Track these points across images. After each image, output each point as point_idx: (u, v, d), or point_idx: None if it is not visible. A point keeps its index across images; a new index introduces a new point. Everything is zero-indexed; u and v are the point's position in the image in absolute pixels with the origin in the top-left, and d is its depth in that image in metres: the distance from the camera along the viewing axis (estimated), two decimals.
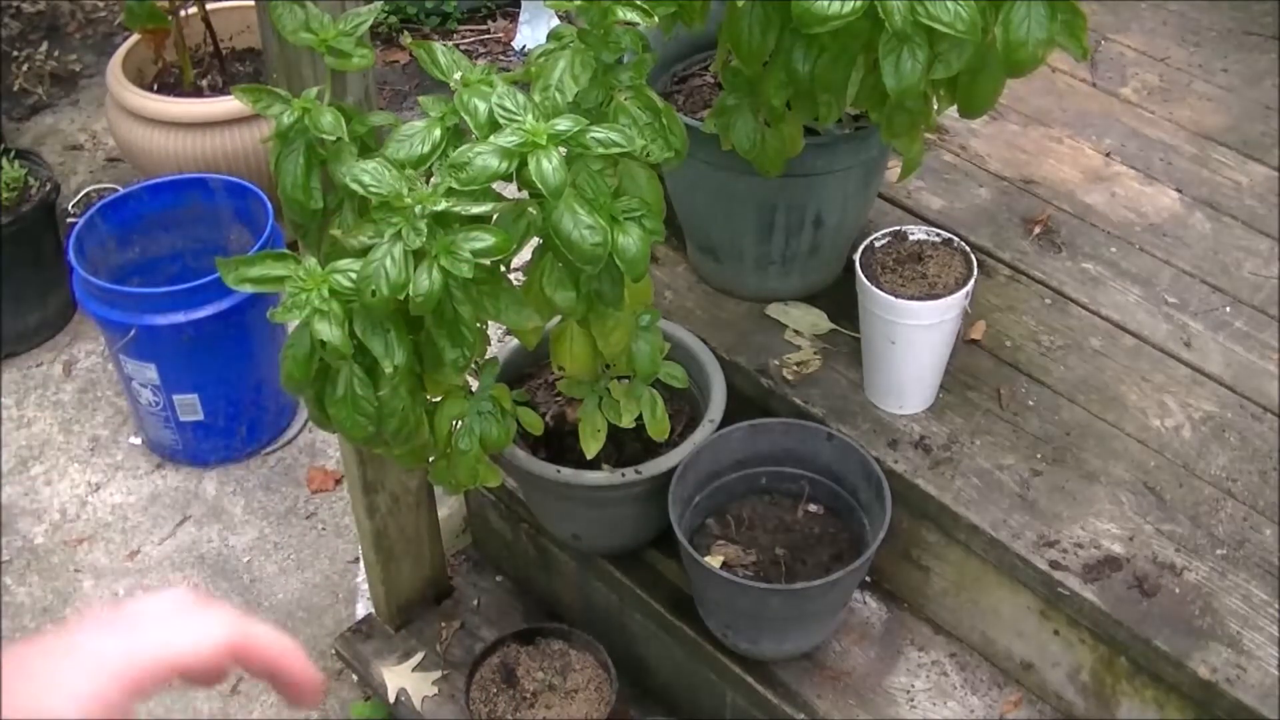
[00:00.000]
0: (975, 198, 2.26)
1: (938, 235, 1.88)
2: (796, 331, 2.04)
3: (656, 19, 1.46)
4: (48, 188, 2.84)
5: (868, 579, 1.96)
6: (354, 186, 1.37)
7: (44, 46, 3.61)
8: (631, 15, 1.45)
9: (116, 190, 2.99)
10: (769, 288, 2.08)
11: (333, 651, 2.27)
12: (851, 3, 1.43)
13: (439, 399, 1.58)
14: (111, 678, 0.63)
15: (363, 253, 1.36)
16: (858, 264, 1.84)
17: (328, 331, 1.35)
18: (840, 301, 2.05)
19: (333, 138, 1.46)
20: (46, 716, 0.60)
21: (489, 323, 1.50)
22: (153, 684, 0.64)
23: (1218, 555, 1.73)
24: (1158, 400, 1.92)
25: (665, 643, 1.98)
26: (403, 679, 2.13)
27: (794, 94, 1.65)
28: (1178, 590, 1.69)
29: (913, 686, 1.85)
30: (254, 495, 2.62)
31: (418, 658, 2.16)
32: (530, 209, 1.43)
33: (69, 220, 3.10)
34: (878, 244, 1.87)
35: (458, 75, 1.46)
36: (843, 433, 1.87)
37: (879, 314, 1.82)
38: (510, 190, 1.44)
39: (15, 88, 3.52)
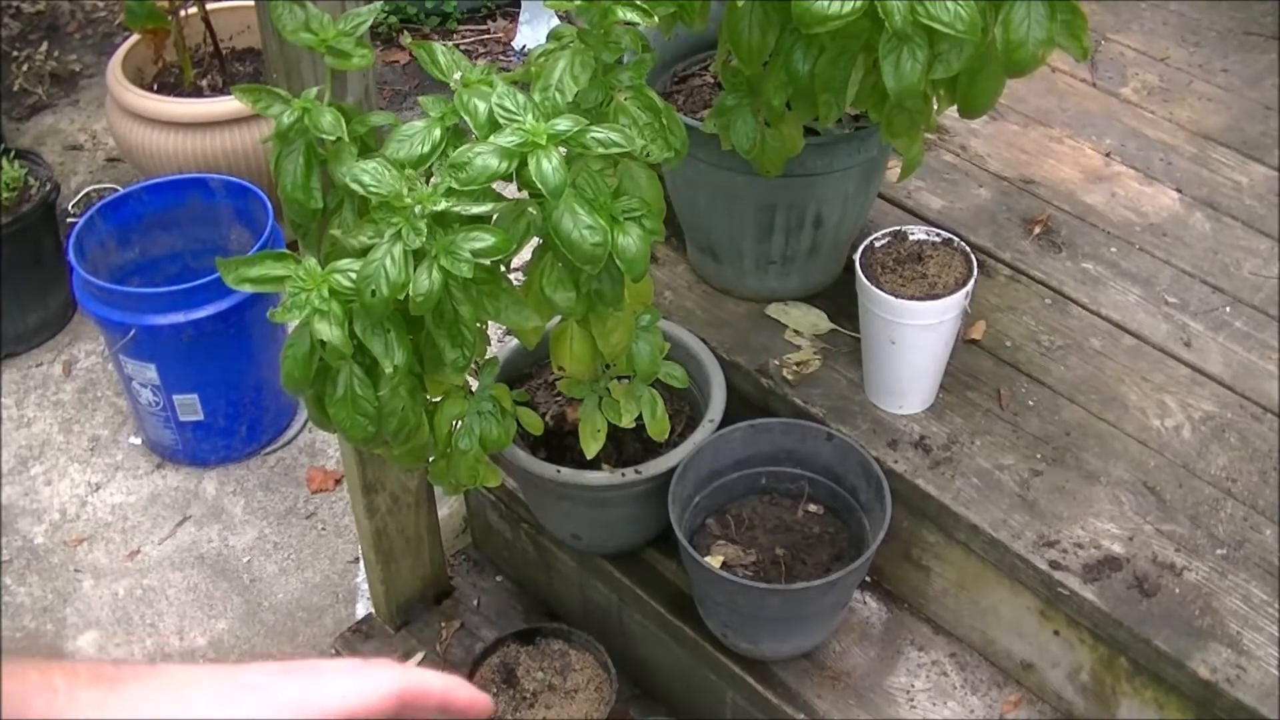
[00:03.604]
0: (975, 198, 2.26)
1: (938, 235, 1.88)
2: (796, 331, 2.04)
3: (656, 19, 1.46)
4: (48, 188, 2.84)
5: (868, 579, 1.96)
6: (354, 186, 1.37)
7: (44, 46, 3.61)
8: (631, 15, 1.45)
9: (116, 190, 2.99)
10: (769, 288, 2.08)
11: (333, 651, 2.27)
12: (851, 3, 1.43)
13: (439, 399, 1.58)
14: (292, 716, 0.67)
15: (363, 253, 1.36)
16: (858, 264, 1.84)
17: (328, 331, 1.35)
18: (840, 301, 2.05)
19: (333, 138, 1.46)
20: None
21: (489, 323, 1.50)
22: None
23: (1218, 555, 1.73)
24: (1158, 400, 1.92)
25: (665, 643, 1.98)
26: None
27: (794, 94, 1.65)
28: (1178, 590, 1.69)
29: (913, 686, 1.85)
30: (254, 495, 2.62)
31: (418, 658, 2.16)
32: (530, 209, 1.43)
33: (69, 220, 3.10)
34: (878, 244, 1.87)
35: (458, 75, 1.46)
36: (843, 433, 1.87)
37: (879, 314, 1.82)
38: (510, 190, 1.44)
39: (15, 88, 3.52)
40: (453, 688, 0.75)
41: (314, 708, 0.68)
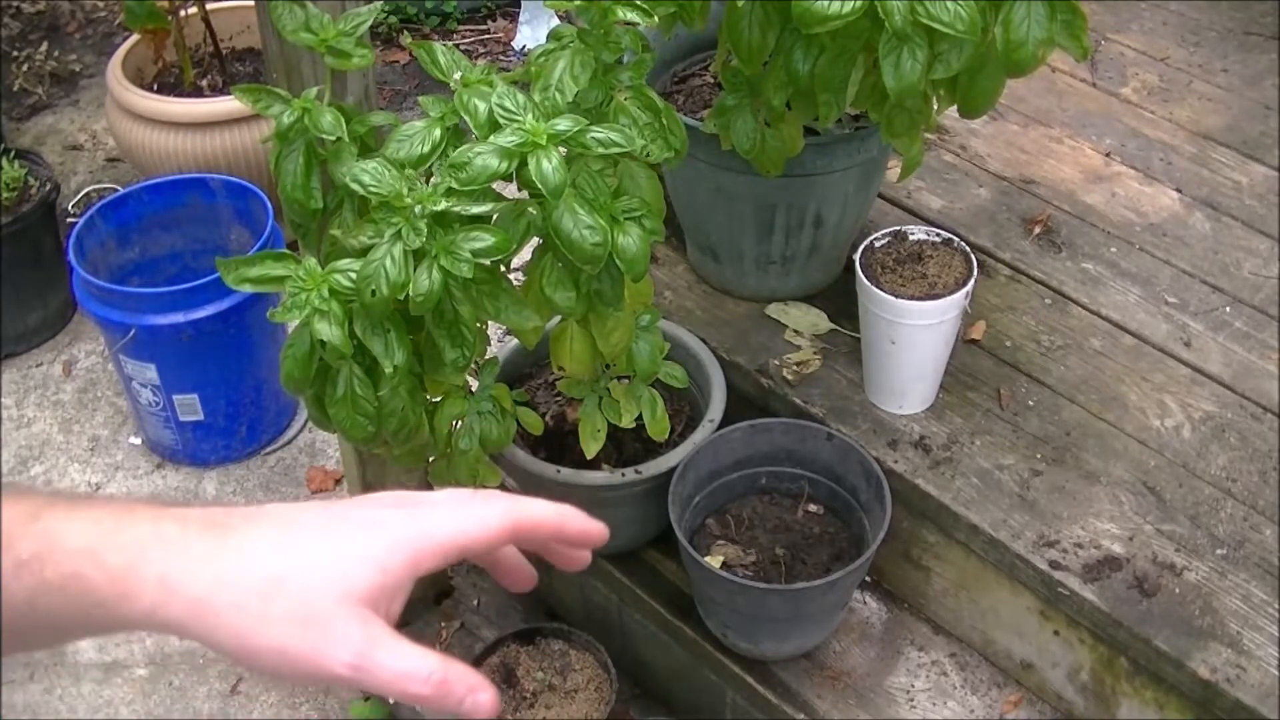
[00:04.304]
0: (975, 198, 2.26)
1: (938, 235, 1.88)
2: (796, 331, 2.04)
3: (656, 19, 1.46)
4: (48, 188, 2.84)
5: (868, 579, 1.96)
6: (354, 186, 1.37)
7: (44, 46, 3.61)
8: (631, 15, 1.45)
9: (116, 190, 2.99)
10: (769, 288, 2.08)
11: None
12: (851, 3, 1.43)
13: (439, 399, 1.58)
14: (403, 550, 0.67)
15: (363, 253, 1.36)
16: (858, 264, 1.84)
17: (328, 331, 1.35)
18: (840, 301, 2.05)
19: (333, 138, 1.46)
20: (341, 574, 0.65)
21: (489, 323, 1.50)
22: (437, 561, 0.69)
23: (1218, 555, 1.73)
24: (1158, 400, 1.92)
25: (665, 643, 1.98)
26: None
27: (794, 94, 1.65)
28: (1178, 590, 1.69)
29: (913, 686, 1.85)
30: (254, 495, 2.62)
31: None
32: (530, 209, 1.43)
33: (69, 220, 3.10)
34: (878, 244, 1.87)
35: (458, 75, 1.46)
36: (843, 433, 1.87)
37: (879, 314, 1.82)
38: (510, 190, 1.44)
39: (15, 88, 3.52)
40: (566, 517, 0.74)
41: (425, 539, 0.68)
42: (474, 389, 1.63)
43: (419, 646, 0.66)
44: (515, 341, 1.92)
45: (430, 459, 1.65)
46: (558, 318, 1.58)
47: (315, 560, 0.66)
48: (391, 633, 0.66)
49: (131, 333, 2.43)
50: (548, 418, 1.88)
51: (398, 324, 1.40)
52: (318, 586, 0.65)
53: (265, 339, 2.58)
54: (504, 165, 1.35)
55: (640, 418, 1.76)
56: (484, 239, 1.35)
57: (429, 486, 2.09)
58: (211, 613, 0.63)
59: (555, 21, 3.35)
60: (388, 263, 1.33)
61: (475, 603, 2.23)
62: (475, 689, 0.65)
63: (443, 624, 2.20)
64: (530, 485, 1.96)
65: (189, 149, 2.87)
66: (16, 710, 2.30)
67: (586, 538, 0.75)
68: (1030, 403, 1.92)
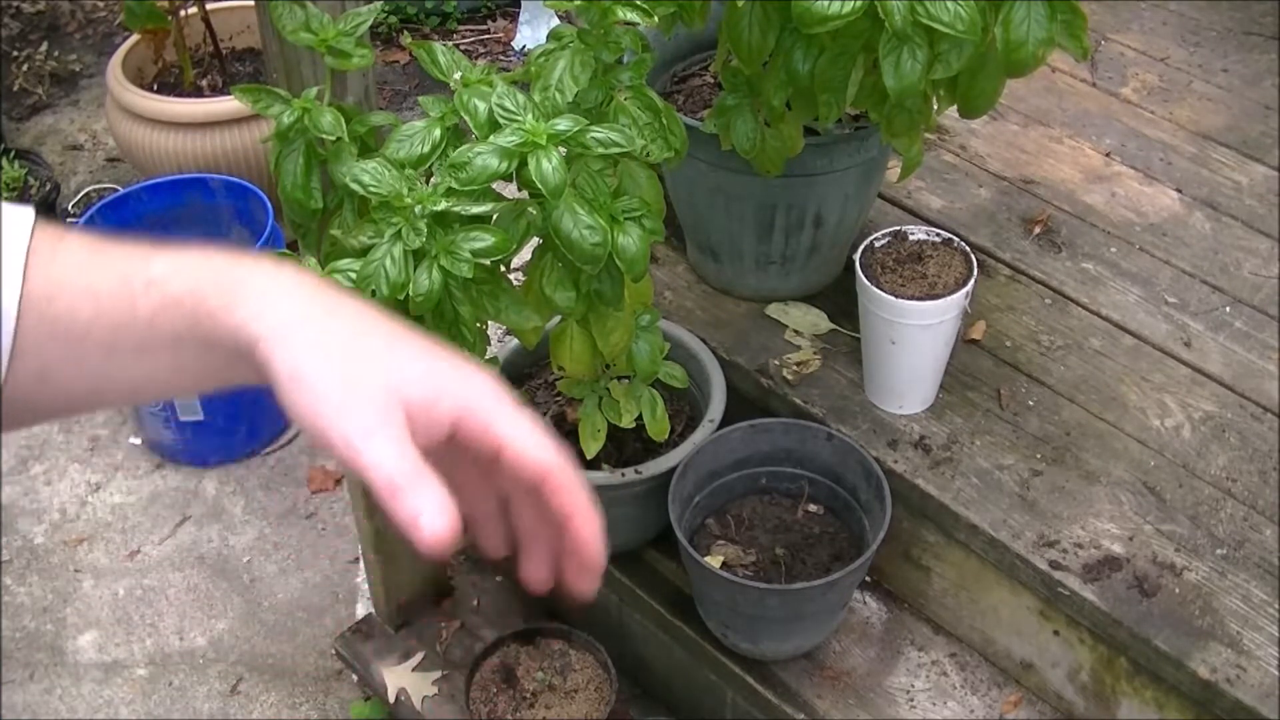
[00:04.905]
0: (975, 198, 2.26)
1: (938, 235, 1.88)
2: (796, 331, 2.04)
3: (656, 19, 1.46)
4: (48, 188, 2.84)
5: (868, 579, 1.96)
6: (354, 186, 1.37)
7: (44, 46, 3.61)
8: (631, 15, 1.45)
9: (116, 190, 2.99)
10: (769, 287, 2.08)
11: (333, 651, 2.27)
12: (851, 3, 1.43)
13: None
14: (466, 392, 0.71)
15: (363, 253, 1.36)
16: (858, 264, 1.84)
17: None
18: (840, 301, 2.05)
19: (333, 138, 1.46)
20: (399, 375, 0.69)
21: (489, 323, 1.50)
22: (482, 428, 0.71)
23: (1218, 555, 1.73)
24: (1158, 400, 1.92)
25: (665, 643, 1.98)
26: (403, 679, 2.13)
27: (794, 94, 1.65)
28: (1178, 590, 1.69)
29: (913, 686, 1.85)
30: (254, 495, 2.62)
31: (418, 658, 2.16)
32: (530, 209, 1.43)
33: (69, 220, 3.10)
34: (878, 244, 1.87)
35: (458, 75, 1.46)
36: (843, 433, 1.87)
37: (879, 314, 1.82)
38: (510, 190, 1.44)
39: (15, 88, 3.52)
40: (585, 515, 0.77)
41: (491, 404, 0.71)
42: None
43: (413, 449, 0.67)
44: (515, 341, 1.92)
45: None
46: (558, 318, 1.58)
47: (387, 349, 0.71)
48: (401, 431, 0.67)
49: None
50: (548, 418, 1.88)
51: None
52: (374, 369, 0.69)
53: None
54: (504, 165, 1.36)
55: (640, 418, 1.76)
56: (484, 239, 1.35)
57: None
58: (286, 334, 0.69)
59: (555, 21, 3.35)
60: (388, 263, 1.33)
61: (475, 603, 2.23)
62: (430, 501, 0.65)
63: (443, 624, 2.20)
64: None
65: (189, 149, 2.87)
66: (16, 710, 2.30)
67: (587, 549, 0.78)
68: (1030, 403, 1.92)
